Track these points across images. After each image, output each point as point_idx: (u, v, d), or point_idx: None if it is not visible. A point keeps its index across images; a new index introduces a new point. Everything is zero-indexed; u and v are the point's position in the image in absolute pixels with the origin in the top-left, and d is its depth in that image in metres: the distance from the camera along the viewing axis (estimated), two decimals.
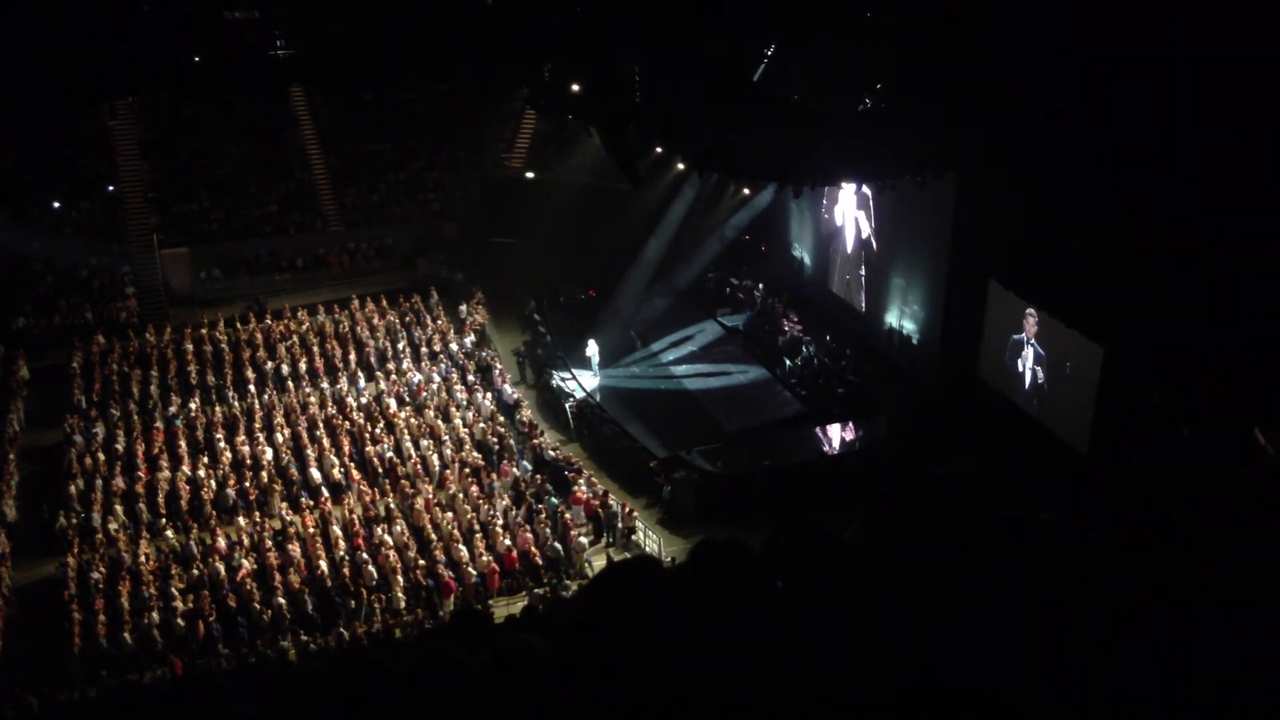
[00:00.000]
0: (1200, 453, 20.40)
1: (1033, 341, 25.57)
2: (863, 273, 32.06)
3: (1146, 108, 19.98)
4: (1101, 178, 21.60)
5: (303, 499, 25.39)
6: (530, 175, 37.74)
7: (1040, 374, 25.53)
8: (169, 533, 24.12)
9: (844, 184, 30.78)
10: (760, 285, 35.83)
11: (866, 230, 31.56)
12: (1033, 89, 21.01)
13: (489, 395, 30.00)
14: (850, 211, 32.32)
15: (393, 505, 25.21)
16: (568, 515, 24.62)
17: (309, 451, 26.97)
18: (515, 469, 26.53)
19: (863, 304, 32.12)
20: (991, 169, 24.34)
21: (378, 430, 27.84)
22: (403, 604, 22.42)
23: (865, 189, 30.69)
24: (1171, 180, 20.12)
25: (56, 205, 35.78)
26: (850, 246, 32.60)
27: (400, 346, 32.06)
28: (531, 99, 32.61)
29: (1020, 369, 26.18)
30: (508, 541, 23.78)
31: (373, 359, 31.55)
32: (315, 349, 31.92)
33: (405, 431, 27.75)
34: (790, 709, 3.19)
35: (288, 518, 24.73)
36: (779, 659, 3.28)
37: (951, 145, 23.72)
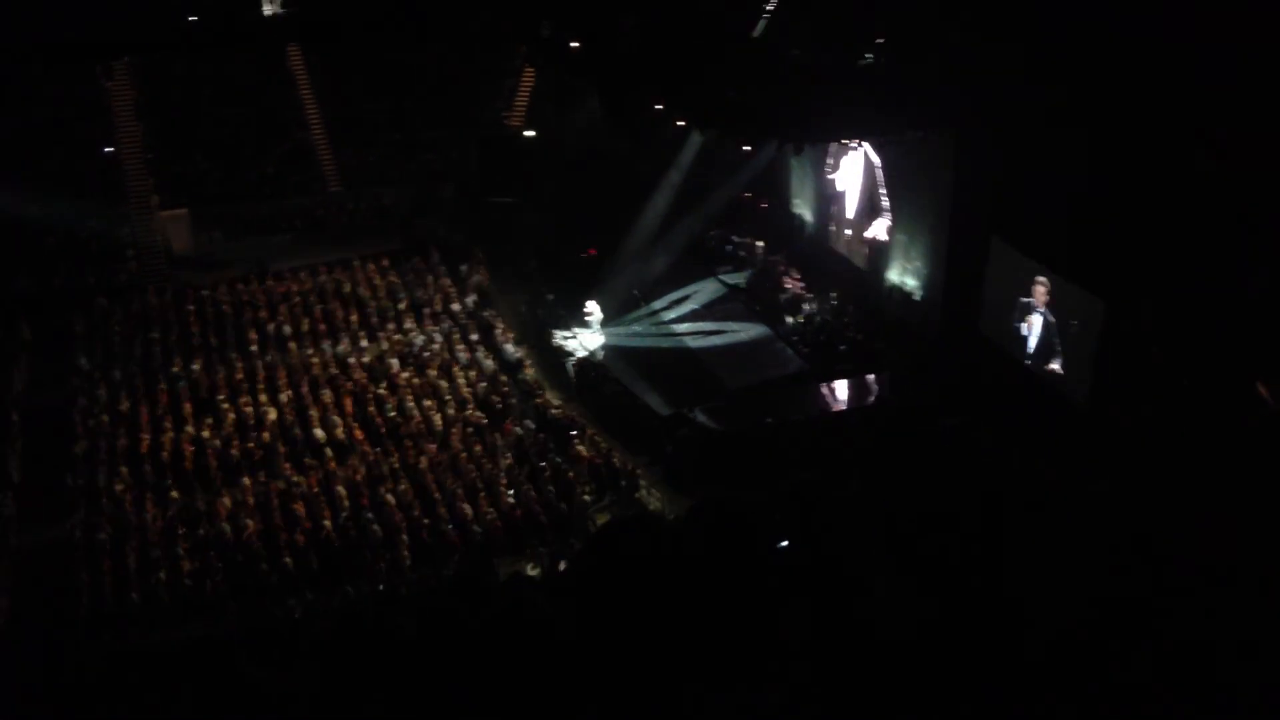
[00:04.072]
0: (1200, 405, 20.49)
1: (1043, 309, 25.36)
2: (864, 230, 31.97)
3: (1147, 64, 19.91)
4: (1103, 130, 21.56)
5: (306, 459, 25.48)
6: (529, 134, 37.54)
7: (1052, 343, 25.37)
8: (174, 493, 24.23)
9: (844, 140, 30.63)
10: (761, 243, 35.73)
11: (868, 186, 31.45)
12: (1034, 45, 20.95)
13: (491, 354, 30.03)
14: (851, 168, 32.18)
15: (396, 464, 25.30)
16: (571, 473, 24.73)
17: (312, 412, 27.03)
18: (518, 428, 26.60)
19: (864, 261, 32.05)
20: (992, 124, 24.26)
21: (380, 390, 27.89)
22: (408, 562, 22.57)
23: (866, 145, 30.57)
24: (1175, 132, 20.08)
25: (53, 167, 35.60)
26: (851, 204, 32.48)
27: (401, 306, 32.04)
28: (530, 56, 32.46)
29: (1026, 332, 26.06)
30: (511, 500, 23.90)
31: (374, 319, 31.55)
32: (316, 309, 31.91)
33: (408, 391, 27.81)
34: (787, 663, 3.24)
35: (292, 478, 24.83)
36: (778, 613, 3.34)
37: (952, 100, 23.64)
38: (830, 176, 33.47)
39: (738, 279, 34.49)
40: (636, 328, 32.14)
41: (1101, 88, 21.05)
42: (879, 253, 31.34)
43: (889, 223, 30.90)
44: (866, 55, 24.19)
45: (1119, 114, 20.95)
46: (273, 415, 26.87)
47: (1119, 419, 22.29)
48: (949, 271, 28.18)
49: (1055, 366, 25.36)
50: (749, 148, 32.17)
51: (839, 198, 33.15)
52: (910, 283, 29.90)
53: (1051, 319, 25.17)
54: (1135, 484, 19.33)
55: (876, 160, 30.71)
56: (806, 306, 31.87)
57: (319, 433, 26.20)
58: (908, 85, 23.49)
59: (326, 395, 27.66)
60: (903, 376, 28.13)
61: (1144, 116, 20.46)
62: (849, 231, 32.92)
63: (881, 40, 23.92)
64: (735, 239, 36.28)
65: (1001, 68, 22.21)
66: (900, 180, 29.79)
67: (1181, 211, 20.34)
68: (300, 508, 23.73)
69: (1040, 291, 25.40)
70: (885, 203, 30.98)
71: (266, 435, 26.06)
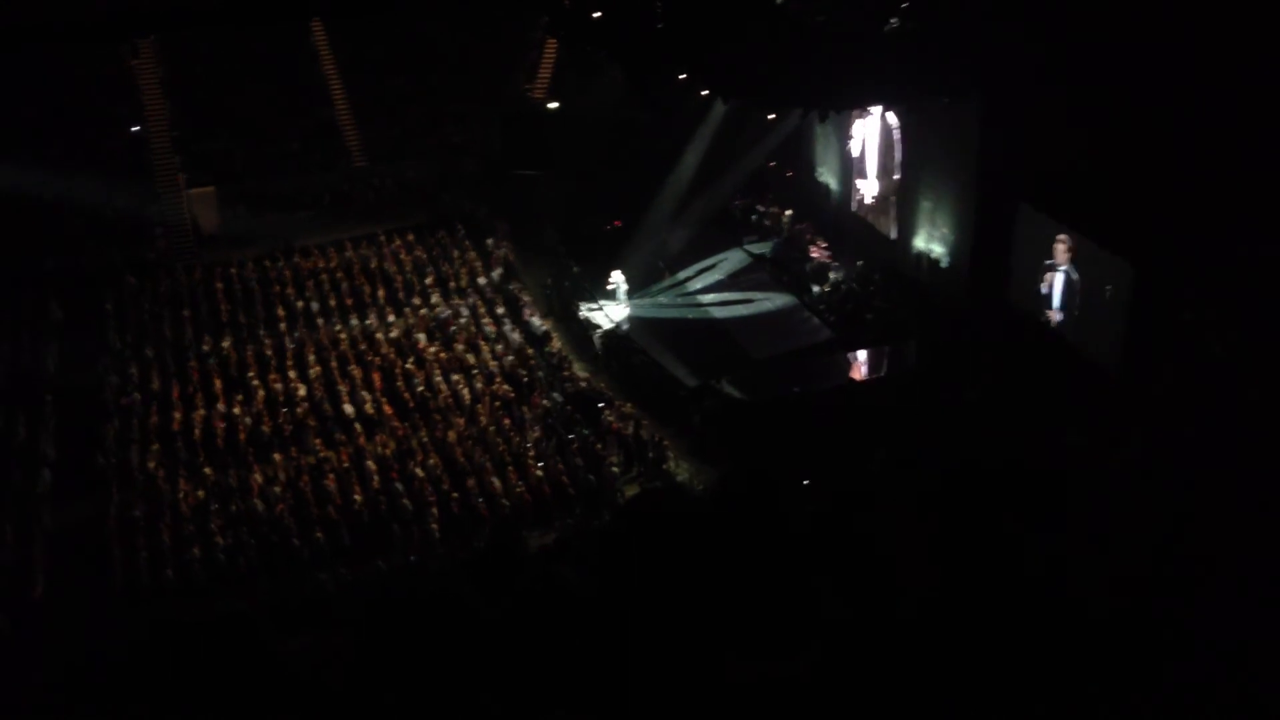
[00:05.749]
0: (1232, 368, 20.35)
1: (1065, 267, 25.27)
2: (890, 196, 31.80)
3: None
4: (1130, 91, 21.34)
5: (336, 434, 25.63)
6: (553, 106, 37.41)
7: (1073, 299, 25.27)
8: (206, 470, 24.45)
9: (870, 107, 30.45)
10: (788, 211, 35.58)
11: (895, 162, 31.29)
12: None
13: (517, 328, 30.09)
14: (875, 135, 32.00)
15: (425, 439, 25.43)
16: (599, 445, 24.79)
17: (341, 387, 27.19)
18: (545, 400, 26.68)
19: (891, 229, 31.88)
20: (1019, 89, 24.05)
21: (408, 365, 28.01)
22: (437, 535, 22.72)
23: (894, 119, 30.45)
24: (1205, 94, 19.86)
25: (81, 146, 35.75)
26: (879, 179, 32.31)
27: (427, 281, 32.11)
28: (552, 28, 32.28)
29: (1047, 290, 25.97)
30: (540, 472, 23.99)
31: (400, 294, 31.64)
32: (344, 285, 32.04)
33: (435, 366, 27.91)
34: (814, 637, 3.25)
35: (322, 453, 25.00)
36: (803, 586, 3.34)
37: (978, 65, 23.41)
38: (851, 141, 33.33)
39: (763, 248, 34.36)
40: (662, 299, 32.11)
41: (1127, 52, 20.83)
42: (896, 213, 31.32)
43: (897, 177, 30.85)
44: (891, 20, 23.93)
45: (1146, 76, 20.73)
46: (302, 391, 27.04)
47: (1151, 385, 22.15)
48: (976, 238, 28.00)
49: (1072, 324, 25.34)
50: (773, 116, 32.01)
51: (859, 163, 33.02)
52: (937, 249, 29.72)
53: (1075, 276, 25.05)
54: (1166, 451, 19.23)
55: (894, 122, 30.58)
56: (833, 275, 31.75)
57: (348, 408, 26.36)
58: (933, 51, 23.25)
59: (355, 371, 27.81)
60: (930, 345, 28.00)
61: (1172, 77, 20.23)
62: (870, 198, 32.82)
63: (906, 5, 23.64)
64: (761, 208, 36.16)
65: (1027, 31, 21.98)
66: (924, 146, 29.59)
67: (1213, 173, 20.12)
68: (331, 483, 23.92)
69: (1061, 249, 25.29)
70: (897, 162, 30.87)
71: (298, 411, 26.23)
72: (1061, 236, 25.24)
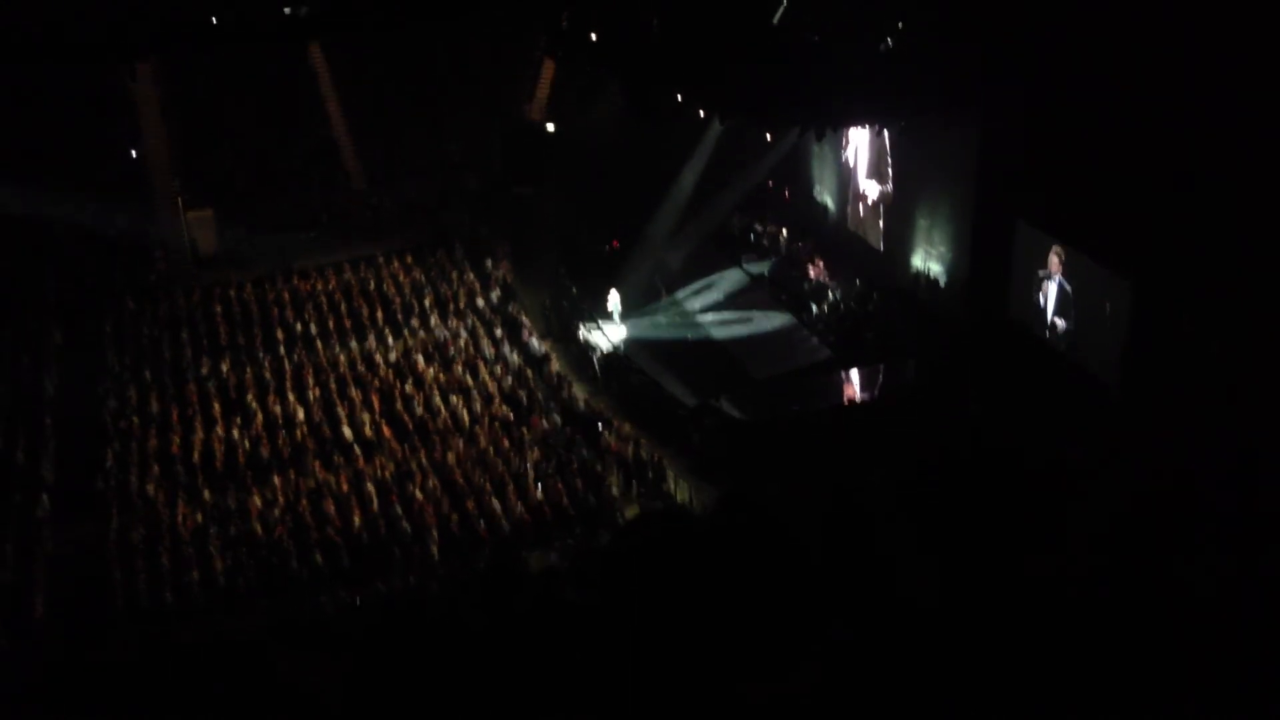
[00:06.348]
0: (1230, 372, 20.37)
1: (1057, 278, 25.38)
2: (883, 214, 31.84)
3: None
4: (1128, 105, 21.43)
5: (335, 456, 25.59)
6: (551, 127, 37.48)
7: (1068, 310, 25.33)
8: (205, 493, 24.40)
9: (865, 126, 30.55)
10: (785, 230, 35.63)
11: (888, 172, 31.35)
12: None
13: (516, 349, 30.07)
14: (869, 154, 32.08)
15: (424, 461, 25.39)
16: (599, 466, 24.75)
17: (340, 410, 27.15)
18: (545, 421, 26.66)
19: (886, 246, 31.92)
20: (1015, 107, 24.14)
21: (407, 386, 27.99)
22: (437, 557, 22.65)
23: (885, 132, 30.51)
24: (1201, 105, 19.94)
25: (80, 169, 35.81)
26: (871, 189, 32.36)
27: (426, 303, 32.13)
28: (549, 48, 32.42)
29: (1044, 304, 26.04)
30: (540, 494, 23.94)
31: (399, 316, 31.64)
32: (342, 307, 32.05)
33: (434, 387, 27.89)
34: (812, 657, 3.25)
35: (321, 476, 24.96)
36: (802, 607, 3.34)
37: (973, 84, 23.52)
38: (846, 159, 33.42)
39: (761, 267, 34.37)
40: (661, 318, 32.11)
41: (1124, 66, 20.92)
42: (888, 224, 31.33)
43: (890, 188, 30.86)
44: (886, 40, 24.06)
45: (1143, 87, 20.83)
46: (301, 414, 27.01)
47: (1151, 398, 22.16)
48: (974, 256, 28.05)
49: (1069, 336, 25.46)
50: (770, 135, 32.10)
51: (859, 177, 33.09)
52: (935, 268, 29.75)
53: (1067, 287, 25.12)
54: (1164, 463, 19.21)
55: (888, 136, 30.68)
56: (831, 294, 31.77)
57: (347, 431, 26.31)
58: (929, 70, 23.36)
59: (354, 393, 27.78)
60: (929, 363, 28.00)
61: (1168, 89, 20.32)
62: (863, 209, 32.89)
63: (901, 25, 23.77)
64: (759, 227, 36.21)
65: (1025, 50, 22.09)
66: (918, 163, 29.68)
67: (1210, 185, 20.18)
68: (330, 505, 23.86)
69: (1055, 261, 25.39)
70: (890, 168, 30.92)
71: (297, 434, 26.20)
72: (1056, 248, 25.35)
